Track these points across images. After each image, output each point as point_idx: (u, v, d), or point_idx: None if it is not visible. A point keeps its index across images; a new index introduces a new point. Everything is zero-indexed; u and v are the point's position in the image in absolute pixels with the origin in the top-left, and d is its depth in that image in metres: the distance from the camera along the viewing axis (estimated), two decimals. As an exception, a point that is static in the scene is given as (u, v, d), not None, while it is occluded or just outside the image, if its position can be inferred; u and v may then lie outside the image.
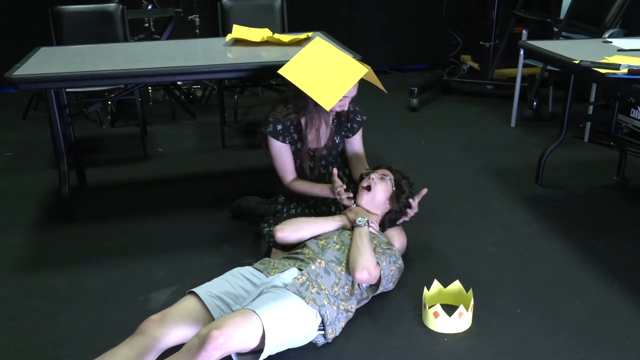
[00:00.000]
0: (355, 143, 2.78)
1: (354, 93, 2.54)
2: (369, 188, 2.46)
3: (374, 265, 2.15)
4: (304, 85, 2.39)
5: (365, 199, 2.45)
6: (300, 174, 2.73)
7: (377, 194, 2.46)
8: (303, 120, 2.62)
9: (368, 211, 2.44)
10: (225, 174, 3.62)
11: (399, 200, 2.50)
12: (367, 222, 2.32)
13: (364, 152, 2.81)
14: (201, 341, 1.71)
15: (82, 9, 3.87)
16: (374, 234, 2.37)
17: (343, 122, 2.72)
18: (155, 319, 1.90)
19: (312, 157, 2.71)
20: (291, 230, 2.36)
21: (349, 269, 2.16)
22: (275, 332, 1.82)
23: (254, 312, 1.81)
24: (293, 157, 2.68)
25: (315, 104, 2.44)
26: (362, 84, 2.59)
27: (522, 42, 3.34)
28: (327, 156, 2.74)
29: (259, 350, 1.82)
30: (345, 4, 5.70)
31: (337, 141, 2.73)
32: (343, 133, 2.74)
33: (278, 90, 4.06)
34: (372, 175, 2.49)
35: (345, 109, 2.57)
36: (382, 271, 2.19)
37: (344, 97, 2.45)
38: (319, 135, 2.66)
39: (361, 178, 2.57)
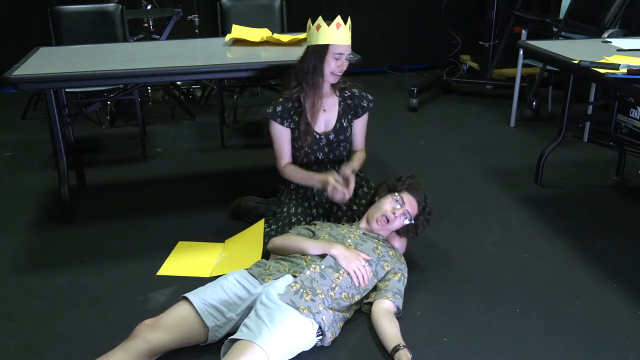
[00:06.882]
0: (357, 127, 2.76)
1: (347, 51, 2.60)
2: (387, 221, 2.36)
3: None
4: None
5: (377, 226, 2.37)
6: (309, 161, 2.72)
7: (392, 226, 2.38)
8: (303, 98, 2.63)
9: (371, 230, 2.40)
10: (225, 174, 3.61)
11: (408, 233, 2.44)
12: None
13: (363, 139, 2.78)
14: None
15: (81, 9, 3.86)
16: (380, 242, 2.35)
17: (350, 105, 2.71)
18: (149, 324, 1.91)
19: (318, 141, 2.68)
20: (280, 246, 2.35)
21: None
22: (277, 356, 1.82)
23: (256, 344, 1.77)
24: (299, 140, 2.66)
25: (313, 75, 2.55)
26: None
27: (522, 42, 3.34)
28: (335, 142, 2.71)
29: None
30: (345, 4, 5.70)
31: (344, 124, 2.71)
32: (349, 117, 2.72)
33: (277, 90, 4.05)
34: (397, 213, 2.35)
35: (343, 69, 2.58)
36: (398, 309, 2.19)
37: (339, 55, 2.55)
38: (316, 107, 2.62)
39: (388, 189, 2.44)
